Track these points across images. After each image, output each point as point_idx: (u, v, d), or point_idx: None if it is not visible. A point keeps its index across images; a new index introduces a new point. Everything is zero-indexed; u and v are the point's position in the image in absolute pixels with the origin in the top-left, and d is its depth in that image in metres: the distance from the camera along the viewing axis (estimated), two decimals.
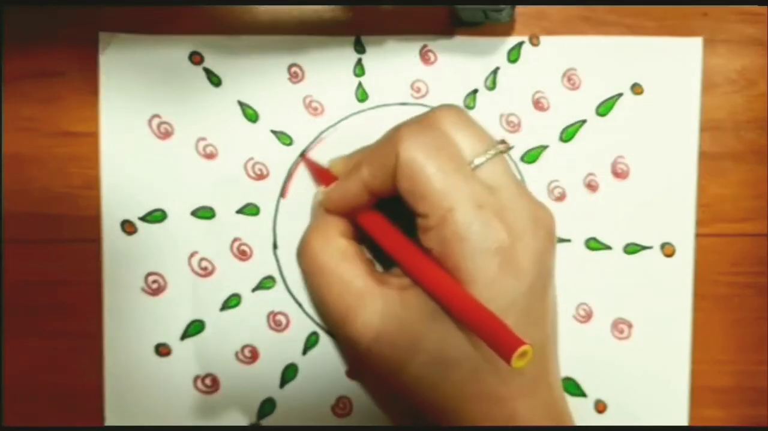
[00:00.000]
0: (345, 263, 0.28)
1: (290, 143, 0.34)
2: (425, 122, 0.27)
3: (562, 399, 0.28)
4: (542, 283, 0.27)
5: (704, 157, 0.35)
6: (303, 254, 0.29)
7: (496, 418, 0.25)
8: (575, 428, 0.27)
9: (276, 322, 0.34)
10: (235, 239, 0.34)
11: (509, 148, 0.28)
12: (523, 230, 0.26)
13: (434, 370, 0.25)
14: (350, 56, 0.34)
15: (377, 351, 0.26)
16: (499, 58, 0.34)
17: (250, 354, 0.34)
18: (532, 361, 0.23)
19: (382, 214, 0.29)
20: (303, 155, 0.34)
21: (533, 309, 0.26)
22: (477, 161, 0.27)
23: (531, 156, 0.34)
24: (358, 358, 0.27)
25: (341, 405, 0.34)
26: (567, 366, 0.32)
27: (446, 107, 0.28)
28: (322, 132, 0.34)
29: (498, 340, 0.23)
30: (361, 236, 0.30)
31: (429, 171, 0.25)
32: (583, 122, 0.34)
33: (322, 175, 0.32)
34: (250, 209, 0.34)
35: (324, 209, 0.29)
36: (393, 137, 0.27)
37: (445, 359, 0.25)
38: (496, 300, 0.25)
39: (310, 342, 0.34)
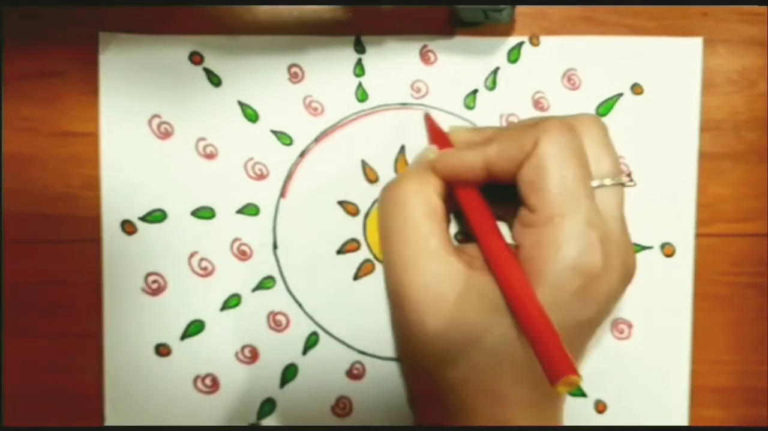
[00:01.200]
0: (429, 219, 0.27)
1: (290, 143, 0.34)
2: (571, 124, 0.27)
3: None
4: (599, 321, 0.27)
5: (704, 157, 0.35)
6: (393, 193, 0.28)
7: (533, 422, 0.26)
8: (576, 428, 0.27)
9: (276, 322, 0.34)
10: (235, 239, 0.34)
11: (632, 183, 0.28)
12: (614, 267, 0.26)
13: (484, 360, 0.25)
14: (350, 56, 0.34)
15: (425, 309, 0.26)
16: (499, 58, 0.34)
17: (250, 354, 0.34)
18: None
19: (481, 194, 0.29)
20: (427, 116, 0.33)
21: (578, 341, 0.27)
22: (601, 183, 0.27)
23: None
24: (400, 313, 0.27)
25: (341, 405, 0.34)
26: None
27: (593, 118, 0.28)
28: (323, 132, 0.34)
29: (552, 360, 0.23)
30: (450, 209, 0.30)
31: (561, 171, 0.25)
32: None
33: (438, 136, 0.32)
34: (250, 209, 0.34)
35: (433, 167, 0.29)
36: (537, 125, 0.26)
37: (496, 353, 0.25)
38: (555, 318, 0.25)
39: (310, 342, 0.34)
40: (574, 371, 0.22)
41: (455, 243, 0.31)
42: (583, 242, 0.25)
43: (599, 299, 0.26)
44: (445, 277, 0.26)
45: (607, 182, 0.27)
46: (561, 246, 0.25)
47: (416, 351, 0.28)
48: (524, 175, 0.26)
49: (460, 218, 0.33)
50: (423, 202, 0.28)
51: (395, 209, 0.28)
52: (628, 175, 0.28)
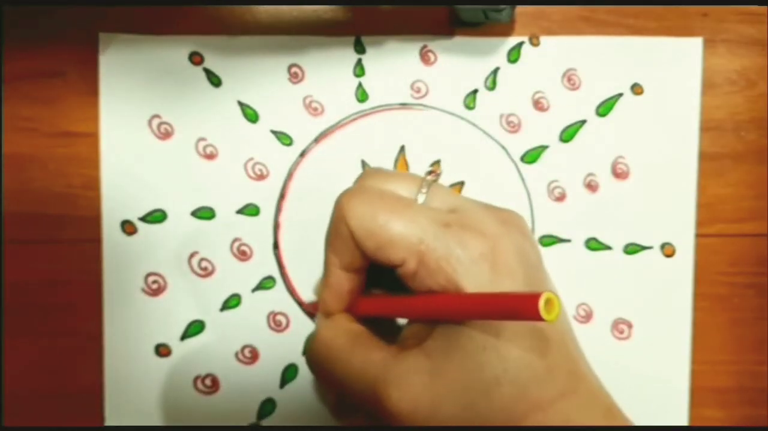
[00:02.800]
0: (357, 343, 0.27)
1: (290, 144, 0.34)
2: (355, 186, 0.27)
3: (602, 389, 0.27)
4: (537, 277, 0.27)
5: (704, 157, 0.35)
6: (315, 350, 0.28)
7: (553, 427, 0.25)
8: (576, 428, 0.27)
9: (276, 322, 0.34)
10: (235, 240, 0.34)
11: (438, 174, 0.28)
12: (496, 234, 0.26)
13: (478, 398, 0.25)
14: (350, 56, 0.34)
15: (422, 413, 0.25)
16: (499, 58, 0.34)
17: (250, 354, 0.34)
18: (557, 353, 0.23)
19: (370, 292, 0.29)
20: (303, 304, 0.34)
21: None
22: (420, 198, 0.27)
23: (531, 156, 0.34)
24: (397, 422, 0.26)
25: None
26: None
27: (367, 171, 0.29)
28: (323, 132, 0.34)
29: (518, 306, 0.22)
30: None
31: (382, 220, 0.25)
32: (583, 122, 0.35)
33: (315, 306, 0.33)
34: (250, 210, 0.34)
35: (324, 314, 0.29)
36: (335, 211, 0.27)
37: (485, 384, 0.25)
38: None
39: None
40: (537, 294, 0.21)
41: None
42: (454, 239, 0.25)
43: (513, 262, 0.25)
44: (411, 370, 0.25)
45: (424, 191, 0.27)
46: (445, 257, 0.25)
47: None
48: (367, 249, 0.26)
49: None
50: (342, 336, 0.27)
51: (326, 359, 0.27)
52: (429, 172, 0.28)
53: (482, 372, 0.24)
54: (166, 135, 0.34)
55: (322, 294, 0.28)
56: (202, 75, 0.34)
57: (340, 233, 0.26)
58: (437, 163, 0.28)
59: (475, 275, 0.25)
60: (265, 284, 0.34)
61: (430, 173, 0.28)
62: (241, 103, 0.34)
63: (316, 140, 0.34)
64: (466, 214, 0.26)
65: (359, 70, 0.34)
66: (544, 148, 0.34)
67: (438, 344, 0.25)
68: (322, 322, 0.28)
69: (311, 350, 0.28)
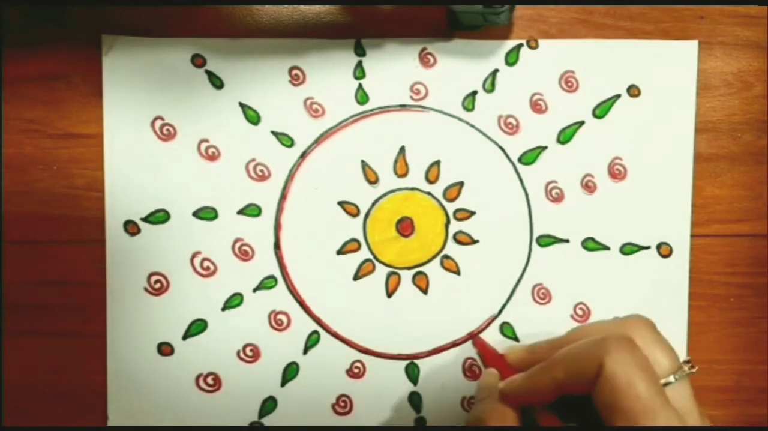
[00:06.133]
0: None
1: (291, 145, 0.34)
2: (625, 335, 0.28)
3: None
4: None
5: (700, 158, 0.35)
6: None
7: None
8: (577, 428, 0.27)
9: (277, 321, 0.34)
10: (237, 240, 0.34)
11: (695, 370, 0.28)
12: None
13: None
14: (350, 59, 0.34)
15: None
16: (498, 60, 0.35)
17: (251, 353, 0.34)
18: None
19: (556, 415, 0.29)
20: (474, 336, 0.35)
21: None
22: (666, 381, 0.27)
23: (529, 157, 0.35)
24: None
25: (342, 404, 0.34)
26: None
27: (639, 320, 0.29)
28: (323, 134, 0.34)
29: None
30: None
31: (634, 391, 0.26)
32: (581, 123, 0.35)
33: (493, 358, 0.33)
34: (251, 210, 0.34)
35: (503, 396, 0.30)
36: (597, 347, 0.27)
37: None
38: None
39: (311, 341, 0.34)
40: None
41: None
42: None
43: None
44: None
45: (672, 378, 0.28)
46: None
47: None
48: (599, 398, 0.27)
49: None
50: None
51: None
52: (687, 361, 0.29)
53: None
54: (168, 136, 0.34)
55: (520, 385, 0.29)
56: (204, 77, 0.34)
57: (585, 364, 0.27)
58: (688, 362, 0.29)
59: None
60: (266, 283, 0.34)
61: (688, 362, 0.29)
62: (242, 105, 0.34)
63: (317, 142, 0.34)
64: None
65: (359, 72, 0.35)
66: (542, 149, 0.35)
67: None
68: (497, 407, 0.30)
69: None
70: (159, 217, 0.34)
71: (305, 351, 0.34)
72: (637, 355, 0.27)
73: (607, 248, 0.35)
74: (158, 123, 0.34)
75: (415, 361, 0.34)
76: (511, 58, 0.35)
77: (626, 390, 0.26)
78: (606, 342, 0.27)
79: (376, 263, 0.34)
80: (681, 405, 0.27)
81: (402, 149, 0.34)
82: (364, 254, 0.34)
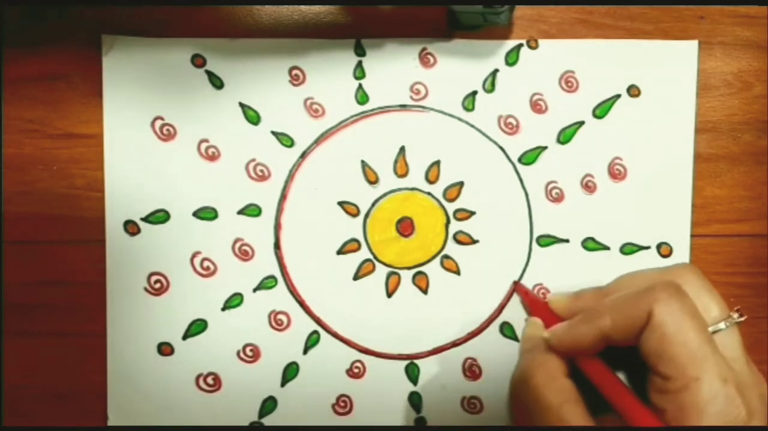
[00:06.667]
0: (569, 405, 0.28)
1: (291, 145, 0.34)
2: (673, 282, 0.27)
3: None
4: None
5: (700, 158, 0.35)
6: (525, 388, 0.29)
7: None
8: (577, 428, 0.27)
9: (277, 321, 0.34)
10: (237, 240, 0.34)
11: (744, 318, 0.28)
12: (756, 409, 0.26)
13: None
14: (350, 59, 0.34)
15: None
16: (498, 60, 0.35)
17: (251, 353, 0.34)
18: None
19: (603, 361, 0.29)
20: (516, 283, 0.34)
21: None
22: (716, 328, 0.27)
23: (529, 157, 0.35)
24: None
25: (342, 404, 0.34)
26: None
27: (687, 268, 0.29)
28: (323, 134, 0.34)
29: None
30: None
31: (683, 337, 0.26)
32: (581, 123, 0.35)
33: (537, 307, 0.33)
34: (251, 210, 0.34)
35: (549, 346, 0.29)
36: (646, 295, 0.27)
37: None
38: None
39: (311, 341, 0.34)
40: None
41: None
42: (723, 398, 0.26)
43: None
44: None
45: (722, 326, 0.28)
46: (704, 410, 0.25)
47: None
48: (647, 346, 0.27)
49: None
50: (557, 389, 0.28)
51: (534, 406, 0.28)
52: (737, 310, 0.28)
53: None
54: (168, 136, 0.34)
55: (565, 334, 0.29)
56: (205, 77, 0.34)
57: (633, 312, 0.27)
58: (737, 310, 0.28)
59: None
60: (266, 283, 0.34)
61: (737, 310, 0.28)
62: (242, 105, 0.34)
63: (317, 142, 0.34)
64: (740, 374, 0.27)
65: (359, 72, 0.35)
66: (542, 149, 0.35)
67: None
68: (541, 358, 0.29)
69: (520, 384, 0.29)
70: (159, 217, 0.34)
71: (305, 351, 0.34)
72: (686, 302, 0.27)
73: (607, 248, 0.35)
74: (158, 123, 0.34)
75: (415, 361, 0.34)
76: (511, 58, 0.35)
77: (675, 338, 0.26)
78: (655, 290, 0.27)
79: (376, 263, 0.34)
80: (729, 353, 0.27)
81: (402, 149, 0.34)
82: (364, 254, 0.34)
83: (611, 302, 0.28)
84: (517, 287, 0.34)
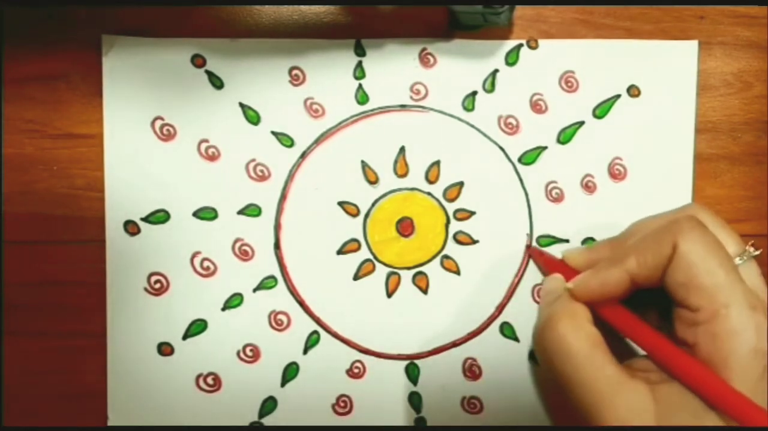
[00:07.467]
0: (596, 350, 0.27)
1: (291, 145, 0.34)
2: (693, 216, 0.28)
3: None
4: None
5: (700, 158, 0.35)
6: (550, 338, 0.28)
7: None
8: (577, 428, 0.27)
9: (277, 321, 0.34)
10: (237, 240, 0.34)
11: (759, 251, 0.28)
12: None
13: None
14: (350, 59, 0.34)
15: None
16: (498, 60, 0.35)
17: (251, 353, 0.34)
18: None
19: (626, 307, 0.29)
20: (528, 246, 0.34)
21: None
22: (737, 260, 0.27)
23: (529, 157, 0.35)
24: None
25: (341, 404, 0.34)
26: None
27: (700, 206, 0.29)
28: (323, 134, 0.34)
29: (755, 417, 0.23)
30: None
31: (710, 265, 0.26)
32: (581, 123, 0.35)
33: (554, 264, 0.32)
34: (251, 210, 0.34)
35: (573, 295, 0.29)
36: (670, 229, 0.27)
37: None
38: (755, 400, 0.25)
39: (311, 341, 0.34)
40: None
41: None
42: (754, 324, 0.25)
43: None
44: (637, 405, 0.26)
45: (738, 260, 0.28)
46: (736, 336, 0.25)
47: None
48: (674, 279, 0.26)
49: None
50: (584, 337, 0.28)
51: (561, 354, 0.28)
52: (752, 244, 0.29)
53: None
54: (168, 137, 0.34)
55: (590, 281, 0.29)
56: (204, 77, 0.34)
57: (658, 247, 0.27)
58: (752, 245, 0.28)
59: (748, 366, 0.25)
60: (266, 283, 0.34)
61: (753, 245, 0.29)
62: (242, 105, 0.34)
63: (317, 142, 0.34)
64: (765, 302, 0.27)
65: (359, 72, 0.35)
66: (542, 149, 0.35)
67: (671, 396, 0.26)
68: (565, 307, 0.29)
69: (545, 333, 0.28)
70: (159, 217, 0.34)
71: (305, 351, 0.34)
72: (708, 234, 0.27)
73: None
74: (158, 123, 0.34)
75: (415, 361, 0.34)
76: (511, 58, 0.35)
77: (702, 267, 0.26)
78: (678, 223, 0.27)
79: (376, 263, 0.34)
80: (752, 284, 0.27)
81: (402, 149, 0.34)
82: (364, 254, 0.34)
83: (635, 242, 0.28)
84: (530, 251, 0.34)
